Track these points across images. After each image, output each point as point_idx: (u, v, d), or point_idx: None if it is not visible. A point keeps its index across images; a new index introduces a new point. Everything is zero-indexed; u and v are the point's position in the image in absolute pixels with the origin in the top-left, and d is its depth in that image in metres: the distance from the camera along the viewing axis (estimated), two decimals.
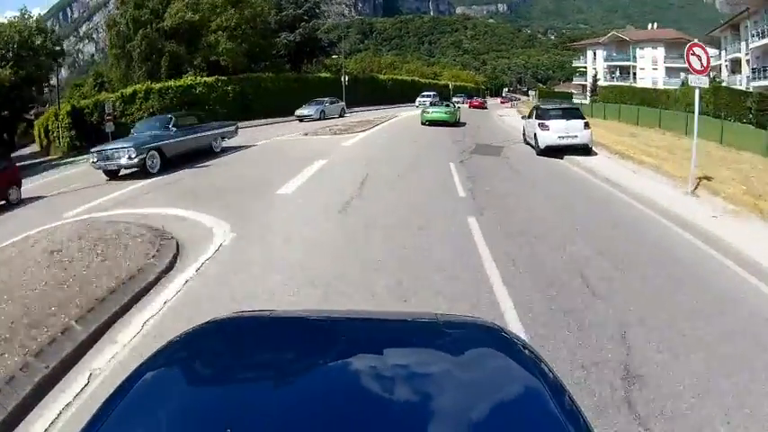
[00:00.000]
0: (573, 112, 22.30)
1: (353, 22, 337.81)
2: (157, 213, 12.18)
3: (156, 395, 1.73)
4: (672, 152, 21.64)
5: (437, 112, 36.21)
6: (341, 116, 46.63)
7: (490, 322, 2.44)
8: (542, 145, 21.23)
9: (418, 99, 62.80)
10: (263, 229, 10.66)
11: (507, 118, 46.28)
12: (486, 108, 72.26)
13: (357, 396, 1.65)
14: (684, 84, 75.00)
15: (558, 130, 20.96)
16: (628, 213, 12.47)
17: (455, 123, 36.06)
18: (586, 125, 21.38)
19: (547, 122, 21.31)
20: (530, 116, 24.60)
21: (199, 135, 22.01)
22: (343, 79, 59.32)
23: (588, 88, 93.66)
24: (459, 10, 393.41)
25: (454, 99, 66.56)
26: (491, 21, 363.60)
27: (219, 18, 49.35)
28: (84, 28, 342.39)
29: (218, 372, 1.94)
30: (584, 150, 21.02)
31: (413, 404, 1.64)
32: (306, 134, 30.63)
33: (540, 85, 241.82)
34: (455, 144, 24.61)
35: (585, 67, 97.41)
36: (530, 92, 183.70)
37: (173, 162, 19.83)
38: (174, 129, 20.62)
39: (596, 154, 21.30)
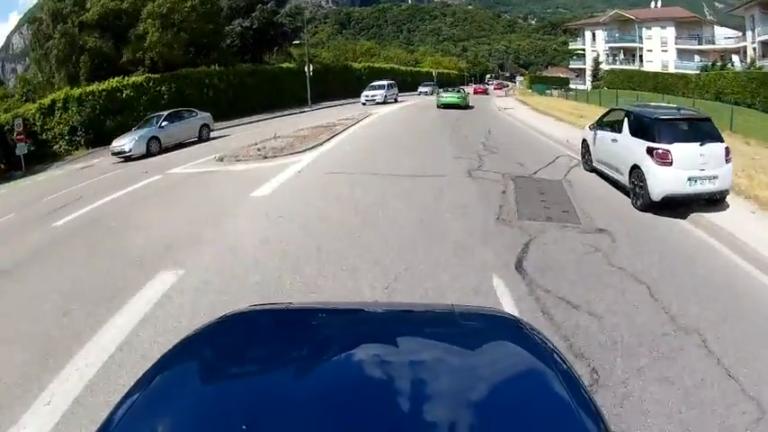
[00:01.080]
0: (703, 128, 11.17)
1: (330, 12, 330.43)
2: None
3: (174, 389, 1.71)
4: None
5: (451, 97, 42.08)
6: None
7: (507, 313, 2.61)
8: (658, 193, 10.69)
9: (420, 88, 64.56)
10: None
11: (514, 111, 37.50)
12: (487, 94, 72.95)
13: (374, 388, 1.63)
14: (711, 68, 65.22)
15: (689, 165, 10.44)
16: None
17: (466, 107, 41.10)
18: (727, 152, 10.82)
19: (666, 148, 10.57)
20: (605, 125, 14.06)
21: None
22: (307, 69, 48.41)
23: (588, 73, 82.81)
24: None
25: (420, 89, 65.84)
26: (470, 7, 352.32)
27: (152, 3, 38.49)
28: None
29: (234, 366, 1.88)
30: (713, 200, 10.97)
31: (430, 396, 1.59)
32: (221, 159, 19.55)
33: (523, 69, 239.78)
34: (477, 182, 13.74)
35: (583, 50, 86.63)
36: (516, 78, 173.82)
37: None
38: None
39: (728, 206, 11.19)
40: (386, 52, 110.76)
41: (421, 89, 62.98)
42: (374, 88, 48.37)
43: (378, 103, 45.42)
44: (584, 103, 48.47)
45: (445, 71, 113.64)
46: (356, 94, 53.60)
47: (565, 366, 1.80)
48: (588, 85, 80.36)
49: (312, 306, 3.21)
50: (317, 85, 50.51)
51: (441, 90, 50.49)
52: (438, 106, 40.76)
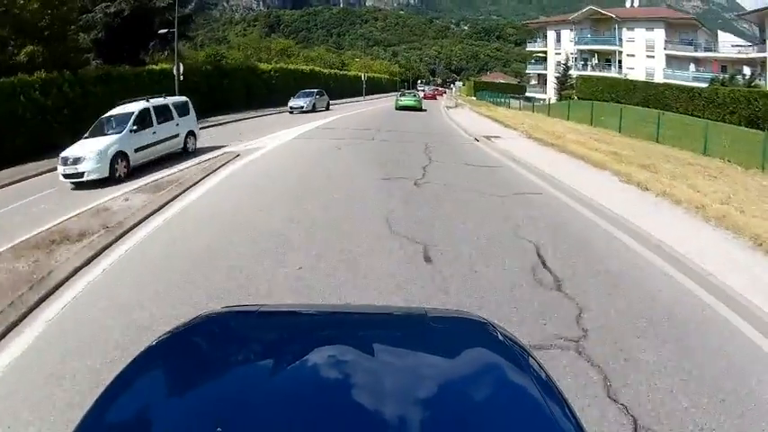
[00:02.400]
0: None
1: (260, 15, 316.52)
2: None
3: (147, 391, 1.68)
4: None
5: (407, 100, 45.62)
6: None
7: (478, 316, 2.37)
8: None
9: (292, 101, 43.14)
10: None
11: (507, 145, 19.28)
12: (436, 99, 68.19)
13: (345, 391, 1.60)
14: (729, 80, 48.90)
15: None
16: None
17: (420, 109, 44.66)
18: None
19: None
20: None
21: None
22: (176, 72, 30.71)
23: (550, 79, 65.65)
24: (369, 3, 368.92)
25: (292, 102, 40.82)
26: (402, 12, 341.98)
27: None
28: None
29: (207, 368, 1.85)
30: None
31: (400, 398, 1.55)
32: None
33: (455, 75, 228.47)
34: None
35: (545, 53, 69.00)
36: (453, 84, 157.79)
37: None
38: None
39: None
40: (307, 52, 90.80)
41: (293, 102, 40.13)
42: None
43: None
44: (586, 126, 31.56)
45: (376, 75, 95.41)
46: (265, 103, 40.99)
47: (537, 367, 1.78)
48: (551, 95, 63.39)
49: (285, 308, 3.06)
50: (211, 92, 34.43)
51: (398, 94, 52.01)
52: (396, 108, 43.64)
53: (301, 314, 2.58)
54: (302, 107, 38.95)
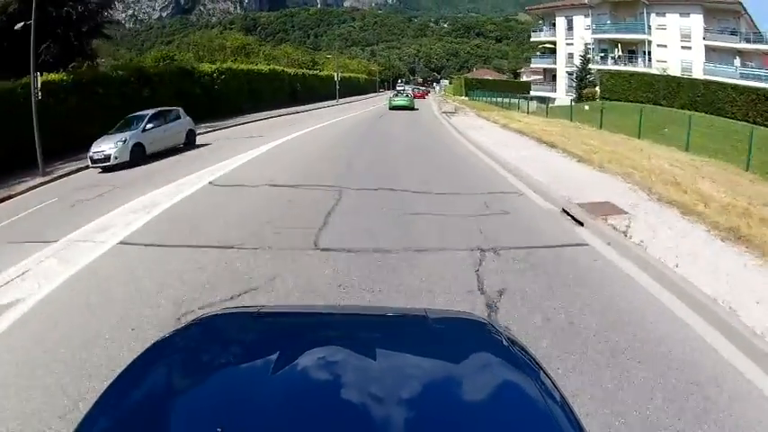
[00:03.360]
0: None
1: (236, 18, 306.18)
2: None
3: (146, 394, 1.66)
4: None
5: (400, 100, 43.35)
6: None
7: (479, 317, 2.37)
8: None
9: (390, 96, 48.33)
10: None
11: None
12: (424, 98, 64.26)
13: (345, 392, 1.58)
14: None
15: None
16: None
17: (412, 108, 42.25)
18: None
19: None
20: None
21: None
22: (32, 87, 18.01)
23: (560, 75, 54.16)
24: (347, 3, 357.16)
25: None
26: (380, 12, 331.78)
27: None
28: None
29: (207, 369, 1.83)
30: None
31: (400, 400, 1.53)
32: None
33: (436, 73, 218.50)
34: None
35: (554, 44, 56.71)
36: (437, 83, 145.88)
37: None
38: None
39: None
40: (269, 50, 77.58)
41: (95, 148, 17.98)
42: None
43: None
44: (647, 142, 20.96)
45: (352, 75, 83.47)
46: (205, 115, 28.68)
47: (537, 368, 1.76)
48: (561, 93, 51.82)
49: (284, 310, 3.05)
50: (127, 105, 22.45)
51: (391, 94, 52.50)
52: (390, 108, 41.93)
53: (301, 316, 2.52)
54: (109, 157, 17.67)
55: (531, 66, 64.66)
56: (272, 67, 45.50)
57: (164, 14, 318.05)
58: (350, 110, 41.55)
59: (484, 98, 58.03)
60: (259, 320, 2.24)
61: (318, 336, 2.07)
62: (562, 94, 53.14)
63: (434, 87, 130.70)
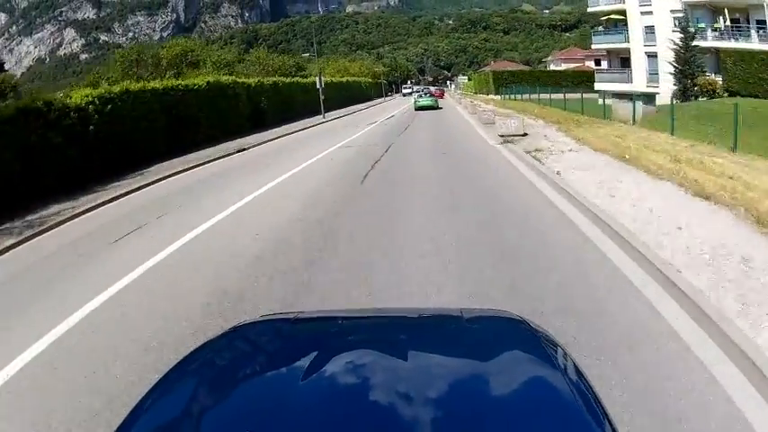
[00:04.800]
0: None
1: (236, 32, 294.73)
2: None
3: (184, 401, 1.62)
4: None
5: (425, 100, 40.95)
6: None
7: (515, 315, 2.24)
8: None
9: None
10: None
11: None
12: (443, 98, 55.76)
13: (381, 397, 1.54)
14: None
15: None
16: None
17: (437, 107, 39.85)
18: None
19: None
20: None
21: None
22: None
23: (641, 58, 36.06)
24: (349, 9, 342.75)
25: None
26: (383, 14, 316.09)
27: None
28: None
29: (245, 376, 1.80)
30: None
31: (437, 404, 1.49)
32: None
33: (446, 72, 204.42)
34: None
35: (623, 14, 37.62)
36: (450, 81, 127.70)
37: None
38: None
39: None
40: (223, 54, 57.72)
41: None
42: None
43: None
44: None
45: (353, 80, 65.96)
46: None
47: (572, 367, 1.71)
48: (640, 83, 34.19)
49: (320, 315, 3.02)
50: None
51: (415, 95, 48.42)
52: (415, 109, 39.41)
53: (336, 320, 2.42)
54: None
55: (593, 45, 45.21)
56: (215, 78, 27.71)
57: (164, 34, 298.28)
58: (336, 135, 24.27)
59: (518, 95, 42.33)
60: (295, 327, 2.20)
61: (354, 341, 1.99)
62: (642, 85, 35.27)
63: (448, 85, 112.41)
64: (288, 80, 40.72)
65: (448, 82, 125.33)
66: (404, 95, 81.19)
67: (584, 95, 27.87)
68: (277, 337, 2.10)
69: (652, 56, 35.65)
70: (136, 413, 1.55)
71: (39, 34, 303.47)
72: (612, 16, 39.49)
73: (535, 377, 1.65)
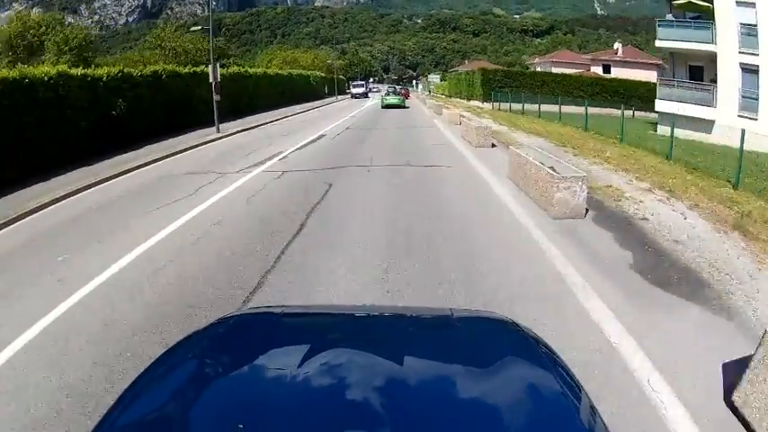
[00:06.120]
0: None
1: (200, 20, 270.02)
2: None
3: (167, 393, 1.57)
4: None
5: (392, 99, 37.95)
6: None
7: (505, 317, 2.18)
8: None
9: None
10: None
11: None
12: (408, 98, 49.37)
13: (370, 393, 1.49)
14: None
15: None
16: None
17: (403, 106, 37.01)
18: None
19: None
20: None
21: None
22: None
23: (735, 71, 21.38)
24: (318, 3, 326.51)
25: None
26: (352, 9, 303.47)
27: None
28: None
29: (230, 368, 1.75)
30: None
31: (427, 402, 1.46)
32: None
33: (411, 71, 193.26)
34: None
35: (709, 1, 23.38)
36: (418, 80, 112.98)
37: None
38: None
39: None
40: (68, 33, 40.77)
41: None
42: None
43: None
44: None
45: (296, 73, 50.88)
46: None
47: (561, 368, 1.67)
48: (730, 111, 20.14)
49: (308, 310, 2.67)
50: None
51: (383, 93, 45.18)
52: (382, 107, 36.20)
53: (324, 316, 2.35)
54: None
55: (658, 42, 29.11)
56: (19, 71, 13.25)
57: (130, 19, 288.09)
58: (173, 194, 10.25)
59: (510, 103, 28.57)
60: (281, 321, 2.13)
61: (341, 337, 1.93)
62: (730, 112, 21.71)
63: (414, 85, 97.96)
64: (184, 71, 25.29)
65: (414, 81, 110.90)
66: (354, 97, 59.73)
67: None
68: (262, 332, 1.98)
69: (750, 70, 21.75)
70: (120, 404, 1.48)
71: (6, 12, 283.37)
72: (697, 2, 24.51)
73: (524, 378, 1.59)
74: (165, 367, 1.71)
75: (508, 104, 31.95)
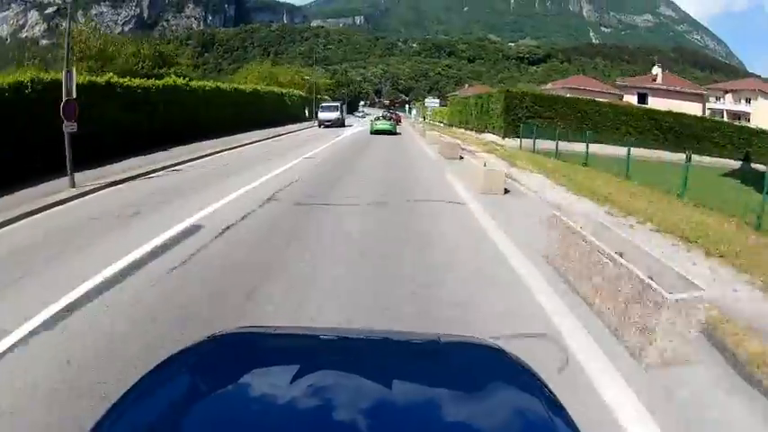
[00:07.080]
0: None
1: (193, 34, 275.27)
2: None
3: (154, 411, 1.54)
4: None
5: (383, 124, 35.14)
6: None
7: (491, 343, 2.18)
8: None
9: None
10: None
11: None
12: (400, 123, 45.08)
13: (357, 416, 1.46)
14: None
15: None
16: None
17: (395, 132, 34.57)
18: None
19: None
20: None
21: None
22: None
23: None
24: (314, 23, 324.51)
25: None
26: (346, 31, 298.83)
27: None
28: None
29: (213, 388, 1.69)
30: None
31: (413, 426, 1.44)
32: None
33: (404, 96, 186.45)
34: None
35: None
36: (411, 105, 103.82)
37: None
38: None
39: None
40: None
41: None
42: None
43: None
44: None
45: (265, 90, 41.10)
46: None
47: (548, 395, 1.64)
48: None
49: (296, 331, 2.60)
50: None
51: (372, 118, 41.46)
52: (371, 132, 33.61)
53: (313, 338, 2.28)
54: None
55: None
56: None
57: (126, 29, 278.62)
58: None
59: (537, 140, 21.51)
60: (270, 341, 2.12)
61: (330, 359, 1.89)
62: None
63: (406, 111, 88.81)
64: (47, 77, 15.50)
65: (407, 107, 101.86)
66: (322, 125, 40.87)
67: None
68: (252, 351, 1.98)
69: None
70: (105, 421, 1.44)
71: (4, 13, 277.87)
72: None
73: (510, 404, 1.59)
74: (151, 384, 1.66)
75: (532, 141, 22.83)
